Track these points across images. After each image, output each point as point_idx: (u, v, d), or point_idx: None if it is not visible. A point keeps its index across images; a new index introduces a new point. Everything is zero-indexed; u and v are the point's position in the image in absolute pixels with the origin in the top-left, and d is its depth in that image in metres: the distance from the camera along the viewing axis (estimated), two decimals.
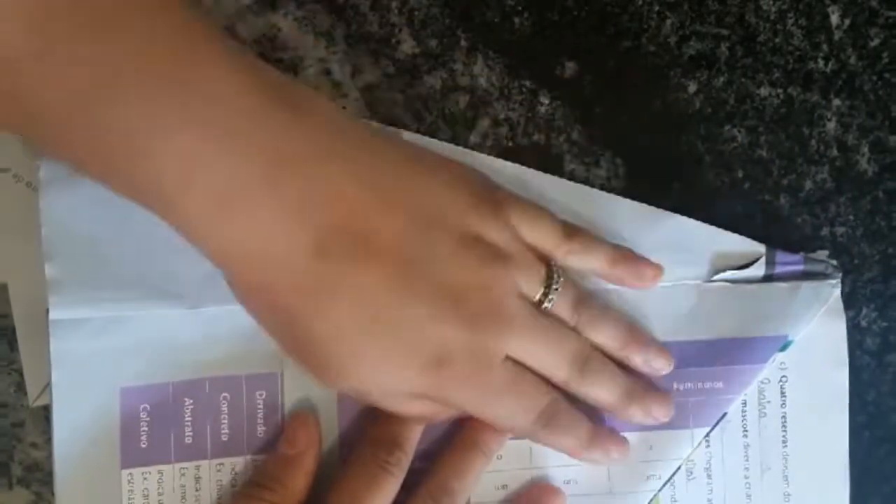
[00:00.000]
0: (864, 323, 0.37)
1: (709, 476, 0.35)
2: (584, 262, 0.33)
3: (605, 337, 0.33)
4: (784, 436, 0.35)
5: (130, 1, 0.25)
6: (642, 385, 0.34)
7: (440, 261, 0.29)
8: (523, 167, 0.35)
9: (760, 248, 0.35)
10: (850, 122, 0.36)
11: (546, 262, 0.32)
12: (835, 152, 0.36)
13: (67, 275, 0.32)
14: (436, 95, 0.35)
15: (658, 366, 0.34)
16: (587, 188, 0.35)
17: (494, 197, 0.32)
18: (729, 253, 0.35)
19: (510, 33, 0.35)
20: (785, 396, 0.35)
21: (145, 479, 0.33)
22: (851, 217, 0.37)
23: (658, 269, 0.34)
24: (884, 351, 0.37)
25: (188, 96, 0.26)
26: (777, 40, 0.36)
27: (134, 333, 0.33)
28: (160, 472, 0.33)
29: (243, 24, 0.34)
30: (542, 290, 0.32)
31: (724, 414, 0.35)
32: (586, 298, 0.33)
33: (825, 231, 0.36)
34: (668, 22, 0.36)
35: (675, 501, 0.35)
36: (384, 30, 0.35)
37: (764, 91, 0.36)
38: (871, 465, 0.37)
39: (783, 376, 0.35)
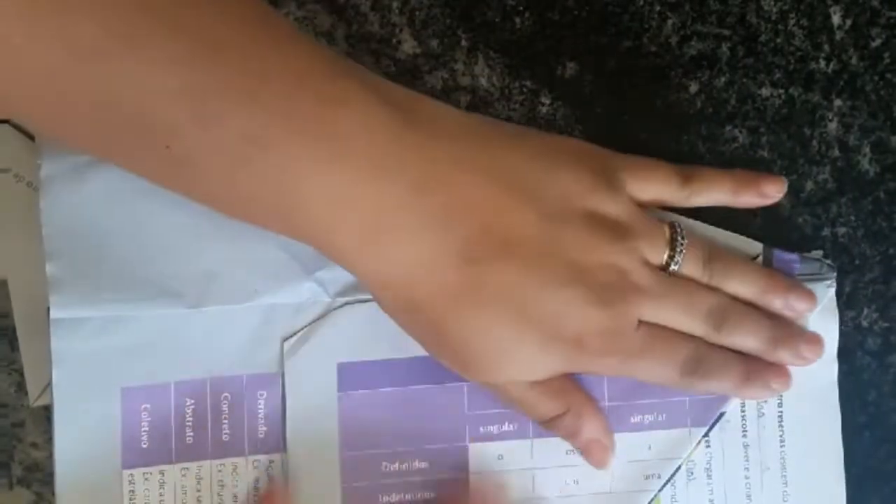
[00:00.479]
0: (865, 323, 0.37)
1: (709, 476, 0.35)
2: (708, 199, 0.34)
3: (741, 286, 0.33)
4: (781, 435, 0.35)
5: (270, 45, 0.27)
6: (786, 328, 0.34)
7: (568, 247, 0.31)
8: None
9: (758, 246, 0.35)
10: (851, 122, 0.36)
11: (669, 224, 0.33)
12: (836, 153, 0.36)
13: (68, 274, 0.32)
14: (437, 95, 0.35)
15: (800, 307, 0.34)
16: None
17: (608, 167, 0.33)
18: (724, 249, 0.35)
19: (511, 33, 0.35)
20: (781, 395, 0.35)
21: (146, 479, 0.33)
22: (853, 217, 0.36)
23: (781, 182, 0.34)
24: (885, 351, 0.37)
25: (329, 139, 0.27)
26: (778, 41, 0.36)
27: (135, 333, 0.33)
28: (161, 472, 0.33)
29: None
30: (667, 254, 0.32)
31: (722, 413, 0.35)
32: (716, 252, 0.34)
33: (826, 231, 0.36)
34: (670, 22, 0.36)
35: (676, 501, 0.35)
36: (385, 30, 0.35)
37: (765, 91, 0.36)
38: (871, 465, 0.36)
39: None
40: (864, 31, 0.36)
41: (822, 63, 0.36)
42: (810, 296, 0.34)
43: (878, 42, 0.36)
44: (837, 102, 0.36)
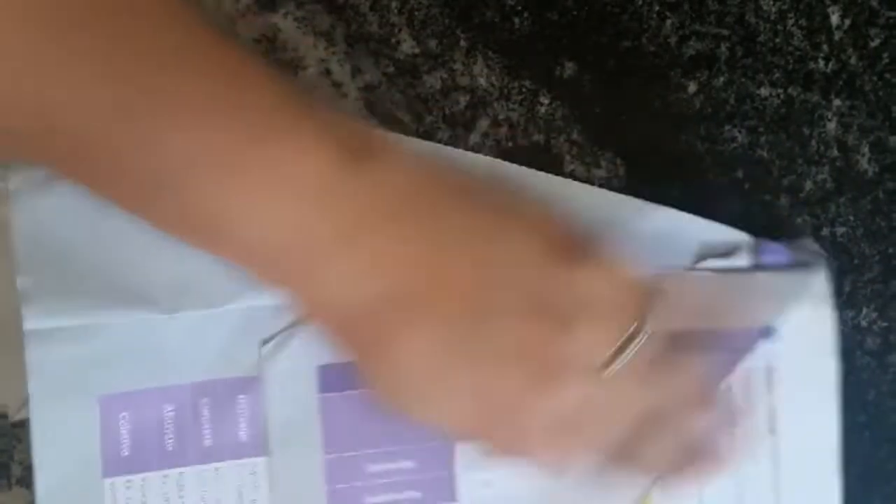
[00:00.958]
0: (864, 323, 0.37)
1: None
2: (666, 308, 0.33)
3: (678, 396, 0.32)
4: (773, 426, 0.35)
5: (211, 71, 0.26)
6: (699, 451, 0.33)
7: (506, 321, 0.29)
8: (505, 163, 0.35)
9: (744, 237, 0.35)
10: (850, 122, 0.36)
11: (622, 319, 0.31)
12: (835, 152, 0.36)
13: (40, 285, 0.32)
14: (436, 95, 0.35)
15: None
16: (573, 182, 0.35)
17: (571, 249, 0.31)
18: (714, 243, 0.34)
19: (510, 33, 0.35)
20: (771, 384, 0.35)
21: (128, 487, 0.33)
22: (852, 217, 0.36)
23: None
24: (884, 351, 0.37)
25: (269, 172, 0.27)
26: (777, 40, 0.36)
27: (110, 341, 0.32)
28: (143, 479, 0.33)
29: (243, 23, 0.34)
30: (612, 351, 0.30)
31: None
32: (663, 356, 0.32)
33: (825, 231, 0.36)
34: (668, 22, 0.36)
35: (667, 494, 0.35)
36: (384, 30, 0.35)
37: (764, 91, 0.36)
38: (872, 465, 0.36)
39: (770, 365, 0.35)
40: (862, 30, 0.36)
41: (821, 63, 0.36)
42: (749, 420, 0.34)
43: (876, 42, 0.36)
44: (836, 102, 0.36)
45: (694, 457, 0.32)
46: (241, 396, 0.33)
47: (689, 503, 0.35)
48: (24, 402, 0.33)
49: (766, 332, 0.34)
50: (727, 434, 0.33)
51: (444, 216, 0.29)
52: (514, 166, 0.35)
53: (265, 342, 0.33)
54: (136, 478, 0.33)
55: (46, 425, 0.32)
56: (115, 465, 0.33)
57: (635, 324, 0.30)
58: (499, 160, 0.35)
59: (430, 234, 0.29)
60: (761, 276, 0.35)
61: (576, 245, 0.31)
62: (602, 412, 0.31)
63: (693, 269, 0.34)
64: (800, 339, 0.35)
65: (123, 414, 0.33)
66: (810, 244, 0.35)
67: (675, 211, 0.35)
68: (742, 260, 0.35)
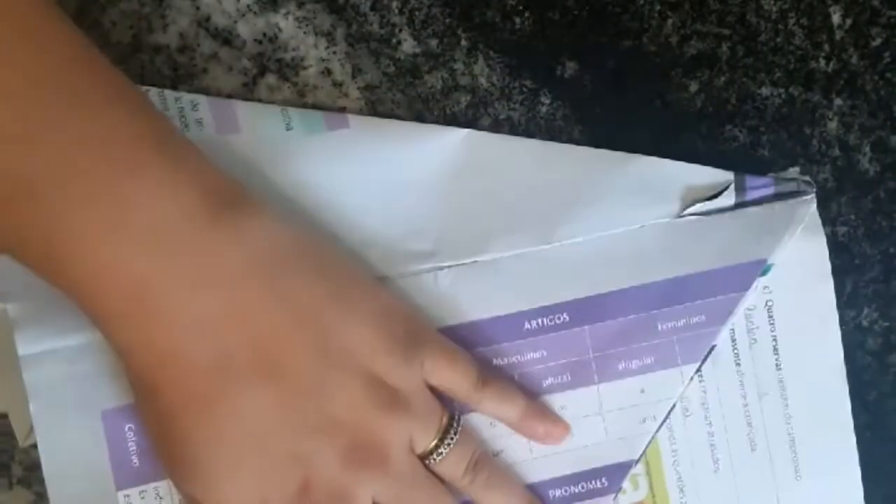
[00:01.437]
0: (865, 323, 0.37)
1: (706, 411, 0.35)
2: (495, 409, 0.33)
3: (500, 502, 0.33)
4: (777, 360, 0.35)
5: (71, 95, 0.26)
6: None
7: (334, 397, 0.29)
8: (482, 133, 0.34)
9: (729, 175, 0.34)
10: (851, 121, 0.36)
11: (449, 414, 0.32)
12: (836, 152, 0.36)
13: (28, 309, 0.32)
14: (436, 95, 0.35)
15: None
16: (550, 144, 0.35)
17: (414, 342, 0.31)
18: (697, 186, 0.34)
19: (511, 33, 0.35)
20: (773, 320, 0.35)
21: (142, 497, 0.33)
22: (853, 217, 0.36)
23: (566, 428, 0.34)
24: (885, 351, 0.37)
25: (114, 208, 0.26)
26: (778, 40, 0.36)
27: (105, 356, 0.32)
28: (156, 489, 0.33)
29: (244, 23, 0.34)
30: (434, 443, 0.31)
31: (713, 347, 0.34)
32: (485, 460, 0.33)
33: (826, 230, 0.36)
34: (669, 21, 0.36)
35: (674, 440, 0.35)
36: (385, 30, 0.35)
37: (765, 91, 0.36)
38: (873, 465, 0.36)
39: (768, 300, 0.35)
40: (864, 30, 0.36)
41: (822, 62, 0.36)
42: None
43: (878, 41, 0.36)
44: (837, 102, 0.36)
45: None
46: None
47: (700, 447, 0.35)
48: (31, 427, 0.33)
49: (762, 268, 0.34)
50: None
51: (297, 284, 0.29)
52: (492, 135, 0.34)
53: None
54: (149, 487, 0.33)
55: (54, 445, 0.32)
56: (128, 477, 0.33)
57: (454, 418, 0.32)
58: (478, 131, 0.34)
59: (278, 303, 0.28)
60: (750, 213, 0.34)
61: (417, 333, 0.32)
62: (418, 502, 0.31)
63: (681, 216, 0.34)
64: (796, 269, 0.34)
65: (129, 426, 0.33)
66: (796, 173, 0.35)
67: (656, 159, 0.34)
68: (728, 199, 0.34)
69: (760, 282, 0.35)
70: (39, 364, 0.32)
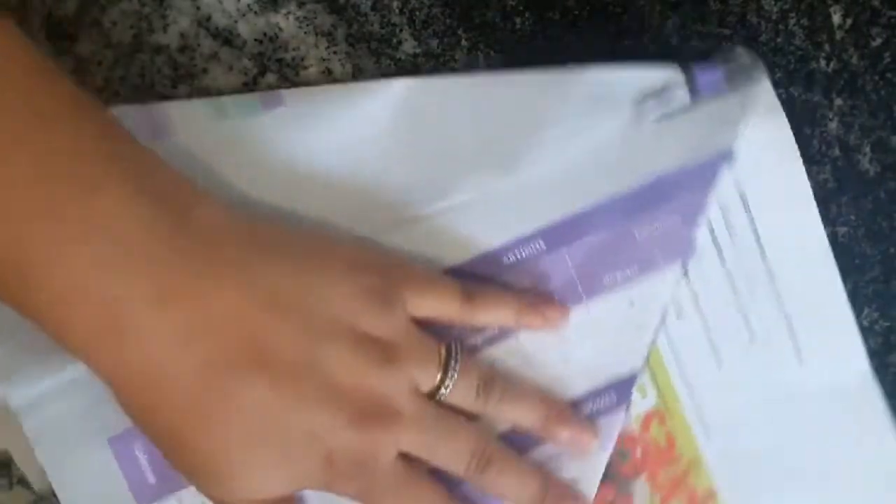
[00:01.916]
0: (865, 323, 0.37)
1: (699, 309, 0.35)
2: (489, 317, 0.33)
3: (520, 414, 0.33)
4: (760, 247, 0.35)
5: (33, 113, 0.26)
6: (553, 487, 0.33)
7: (328, 367, 0.29)
8: (423, 79, 0.34)
9: (677, 70, 0.34)
10: (851, 121, 0.36)
11: (446, 345, 0.32)
12: (836, 152, 0.36)
13: (14, 354, 0.32)
14: None
15: (586, 440, 0.33)
16: (494, 75, 0.34)
17: (388, 284, 0.31)
18: (648, 88, 0.34)
19: (511, 33, 0.35)
20: (749, 209, 0.35)
21: None
22: (853, 217, 0.36)
23: (564, 310, 0.34)
24: (885, 351, 0.37)
25: (79, 224, 0.26)
26: (779, 40, 0.36)
27: (97, 386, 0.32)
28: (179, 500, 0.33)
29: (244, 23, 0.34)
30: (438, 378, 0.31)
31: (694, 246, 0.34)
32: (493, 378, 0.33)
33: (827, 230, 0.36)
34: (670, 22, 0.36)
35: (673, 344, 0.35)
36: (385, 30, 0.35)
37: None
38: None
39: (741, 190, 0.35)
40: (864, 30, 0.36)
41: (823, 62, 0.36)
42: (592, 428, 0.34)
43: (878, 41, 0.36)
44: (838, 102, 0.36)
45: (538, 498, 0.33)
46: None
47: (699, 346, 0.35)
48: (42, 472, 0.33)
49: (727, 158, 0.34)
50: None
51: (261, 270, 0.29)
52: (433, 79, 0.34)
53: None
54: (172, 498, 0.33)
55: (69, 484, 0.32)
56: (148, 495, 0.33)
57: (451, 348, 0.32)
58: (419, 77, 0.34)
59: (250, 290, 0.28)
60: (706, 107, 0.34)
61: (390, 275, 0.31)
62: (440, 448, 0.31)
63: (638, 122, 0.34)
64: (762, 154, 0.34)
65: (137, 445, 0.33)
66: (743, 53, 0.34)
67: (602, 67, 0.34)
68: (680, 93, 0.34)
69: (729, 173, 0.34)
70: (36, 410, 0.32)
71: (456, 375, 0.32)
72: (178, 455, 0.29)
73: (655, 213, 0.34)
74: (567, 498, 0.33)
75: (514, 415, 0.33)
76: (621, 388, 0.34)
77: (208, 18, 0.33)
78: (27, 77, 0.26)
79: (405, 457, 0.31)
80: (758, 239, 0.35)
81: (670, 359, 0.35)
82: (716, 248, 0.35)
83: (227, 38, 0.34)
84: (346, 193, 0.33)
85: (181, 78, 0.33)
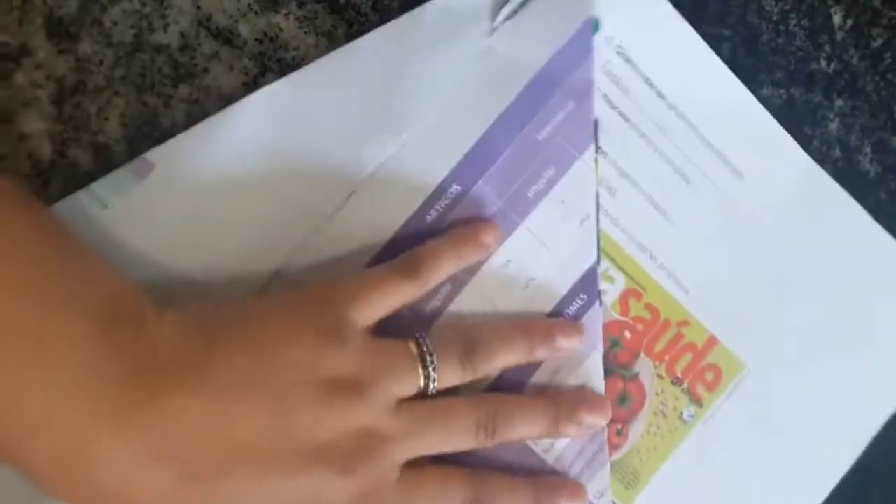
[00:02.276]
0: None
1: (626, 177, 0.35)
2: (436, 276, 0.33)
3: (508, 360, 0.33)
4: (657, 91, 0.35)
5: None
6: (563, 401, 0.33)
7: (303, 428, 0.29)
8: (281, 80, 0.33)
9: None
10: (852, 122, 0.36)
11: (414, 341, 0.31)
12: (837, 153, 0.36)
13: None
14: None
15: (568, 343, 0.33)
16: (345, 48, 0.34)
17: (332, 313, 0.31)
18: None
19: None
20: (630, 61, 0.35)
21: None
22: None
23: (493, 226, 0.33)
24: None
25: (32, 355, 0.26)
26: (779, 41, 0.36)
27: None
28: None
29: (245, 23, 0.34)
30: (421, 377, 0.31)
31: (596, 122, 0.34)
32: (467, 343, 0.32)
33: None
34: None
35: (617, 221, 0.35)
36: None
37: (766, 91, 0.36)
38: (873, 460, 0.36)
39: (617, 47, 0.34)
40: (864, 31, 0.36)
41: (824, 63, 0.36)
42: (573, 327, 0.34)
43: (878, 42, 0.36)
44: (839, 102, 0.36)
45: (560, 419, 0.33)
46: None
47: (641, 210, 0.35)
48: None
49: (591, 26, 0.34)
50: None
51: (217, 364, 0.29)
52: (291, 76, 0.33)
53: None
54: None
55: None
56: None
57: (420, 341, 0.31)
58: (277, 81, 0.33)
59: (211, 388, 0.28)
60: None
61: (331, 298, 0.31)
62: (442, 439, 0.31)
63: (494, 28, 0.34)
64: (622, 4, 0.34)
65: None
66: None
67: (429, 5, 0.34)
68: None
69: (599, 39, 0.34)
70: None
71: (435, 365, 0.31)
72: None
73: (547, 108, 0.34)
74: (583, 401, 0.33)
75: (502, 363, 0.33)
76: (587, 286, 0.34)
77: (209, 18, 0.33)
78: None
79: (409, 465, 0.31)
80: (651, 85, 0.35)
81: (621, 236, 0.35)
82: (617, 113, 0.35)
83: (227, 37, 0.34)
84: (256, 219, 0.33)
85: (182, 77, 0.33)
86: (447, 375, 0.32)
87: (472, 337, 0.32)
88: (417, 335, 0.32)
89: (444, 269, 0.33)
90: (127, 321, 0.28)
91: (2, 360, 0.26)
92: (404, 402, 0.31)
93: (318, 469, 0.29)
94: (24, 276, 0.26)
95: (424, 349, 0.31)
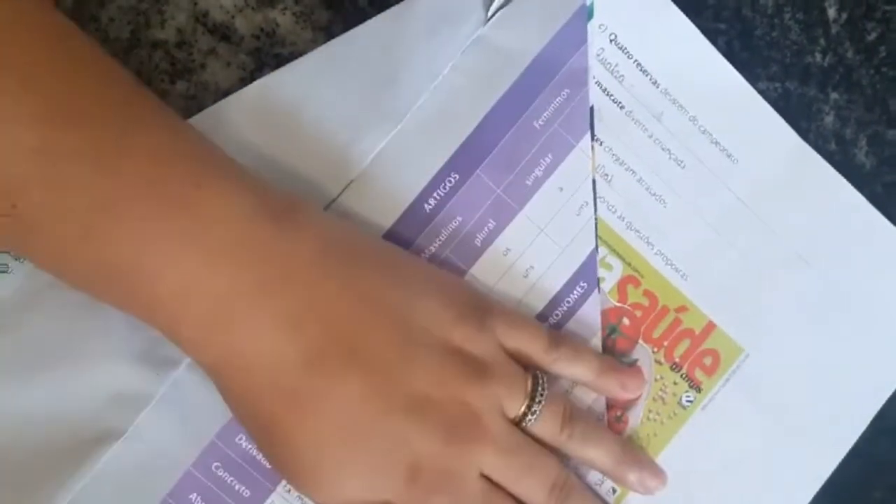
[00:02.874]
0: None
1: (621, 164, 0.35)
2: (570, 370, 0.33)
3: (597, 455, 0.33)
4: (650, 78, 0.35)
5: (134, 119, 0.27)
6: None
7: (421, 374, 0.29)
8: (265, 77, 0.33)
9: None
10: (847, 115, 0.36)
11: (532, 374, 0.32)
12: (833, 146, 0.36)
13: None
14: None
15: (652, 485, 0.34)
16: (334, 42, 0.33)
17: (480, 308, 0.32)
18: None
19: None
20: (624, 49, 0.35)
21: None
22: None
23: (640, 378, 0.34)
24: None
25: (189, 221, 0.27)
26: (774, 34, 0.36)
27: (142, 453, 0.32)
28: None
29: (242, 18, 0.34)
30: (525, 404, 0.31)
31: (592, 109, 0.34)
32: (576, 412, 0.33)
33: None
34: None
35: (614, 208, 0.35)
36: None
37: (762, 85, 0.36)
38: (873, 458, 0.36)
39: (610, 35, 0.35)
40: (859, 24, 0.36)
41: (818, 57, 0.36)
42: (662, 475, 0.34)
43: (873, 35, 0.36)
44: (834, 96, 0.36)
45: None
46: (239, 437, 0.33)
47: (637, 197, 0.35)
48: None
49: (585, 14, 0.34)
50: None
51: (362, 274, 0.30)
52: (278, 72, 0.33)
53: None
54: None
55: None
56: None
57: (538, 378, 0.32)
58: (260, 79, 0.33)
59: (350, 291, 0.29)
60: None
61: (480, 301, 0.32)
62: (522, 474, 0.31)
63: (487, 19, 0.34)
64: None
65: (192, 495, 0.32)
66: None
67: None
68: None
69: (592, 26, 0.34)
70: (85, 495, 0.31)
71: (543, 404, 0.31)
72: (271, 447, 0.30)
73: (544, 95, 0.34)
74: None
75: (592, 455, 0.33)
76: (587, 273, 0.34)
77: (205, 14, 0.33)
78: (123, 87, 0.28)
79: (486, 479, 0.31)
80: (645, 72, 0.35)
81: (618, 224, 0.35)
82: (612, 101, 0.35)
83: (224, 33, 0.34)
84: None
85: (179, 73, 0.33)
86: (545, 422, 0.32)
87: (578, 413, 0.33)
88: (539, 374, 0.32)
89: (575, 373, 0.33)
90: (276, 198, 0.29)
91: (155, 228, 0.26)
92: (505, 417, 0.31)
93: (424, 419, 0.29)
94: (171, 144, 0.28)
95: (539, 385, 0.32)
